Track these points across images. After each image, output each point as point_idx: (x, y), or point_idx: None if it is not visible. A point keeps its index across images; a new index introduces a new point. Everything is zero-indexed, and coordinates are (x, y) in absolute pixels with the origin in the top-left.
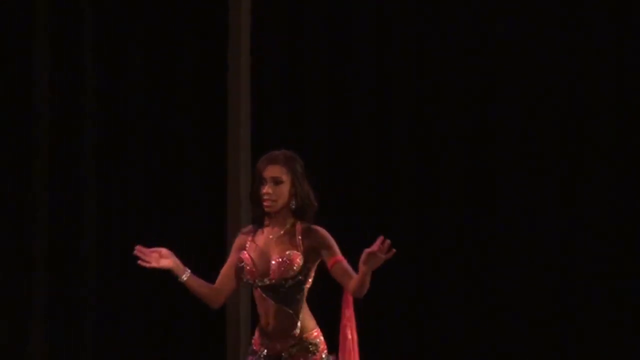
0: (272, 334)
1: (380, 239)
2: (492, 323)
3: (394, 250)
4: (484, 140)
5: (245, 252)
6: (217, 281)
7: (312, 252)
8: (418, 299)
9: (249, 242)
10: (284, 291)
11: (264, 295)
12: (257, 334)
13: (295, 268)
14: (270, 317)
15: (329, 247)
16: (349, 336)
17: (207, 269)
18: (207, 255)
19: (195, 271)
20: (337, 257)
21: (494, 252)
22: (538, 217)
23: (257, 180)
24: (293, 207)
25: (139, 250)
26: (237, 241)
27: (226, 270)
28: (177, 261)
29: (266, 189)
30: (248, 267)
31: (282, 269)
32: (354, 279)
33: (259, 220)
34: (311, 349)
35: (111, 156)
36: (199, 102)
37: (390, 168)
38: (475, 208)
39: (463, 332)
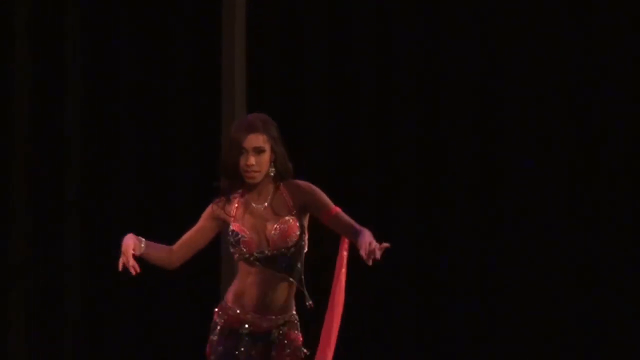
0: (265, 309)
1: (362, 255)
2: (498, 324)
3: (387, 244)
4: (488, 138)
5: (235, 224)
6: (178, 244)
7: (304, 209)
8: (422, 303)
9: (232, 217)
10: (287, 259)
11: (262, 267)
12: (233, 308)
13: (296, 233)
14: (269, 290)
15: (320, 201)
16: (342, 278)
17: (200, 272)
18: (200, 258)
19: (189, 274)
20: (333, 210)
21: (500, 251)
22: (544, 216)
23: (235, 151)
24: (272, 173)
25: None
26: (209, 210)
27: (192, 234)
28: (135, 241)
29: (250, 160)
30: (245, 238)
31: (282, 236)
32: (356, 239)
33: (227, 191)
34: (296, 323)
35: (100, 157)
36: (192, 100)
37: (392, 168)
38: (480, 207)
39: (469, 333)
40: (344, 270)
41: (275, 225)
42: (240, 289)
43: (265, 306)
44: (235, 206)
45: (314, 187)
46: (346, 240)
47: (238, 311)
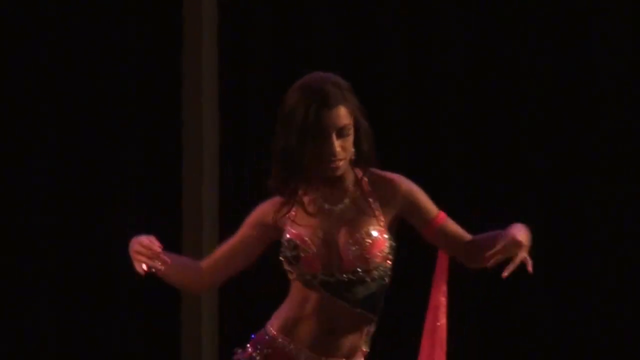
0: (326, 350)
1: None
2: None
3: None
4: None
5: (291, 231)
6: (210, 261)
7: (395, 216)
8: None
9: (291, 221)
10: (366, 288)
11: (329, 295)
12: (281, 341)
13: (383, 250)
14: (337, 327)
15: (422, 203)
16: (440, 321)
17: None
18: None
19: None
20: (441, 215)
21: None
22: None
23: (309, 135)
24: (354, 157)
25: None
26: (258, 214)
27: (229, 248)
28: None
29: (335, 147)
30: (309, 253)
31: (362, 253)
32: (474, 240)
33: (290, 190)
34: None
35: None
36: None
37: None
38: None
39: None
40: (443, 322)
41: (353, 237)
42: (293, 317)
43: (327, 346)
44: (286, 210)
45: (412, 183)
46: (445, 270)
47: (292, 346)
